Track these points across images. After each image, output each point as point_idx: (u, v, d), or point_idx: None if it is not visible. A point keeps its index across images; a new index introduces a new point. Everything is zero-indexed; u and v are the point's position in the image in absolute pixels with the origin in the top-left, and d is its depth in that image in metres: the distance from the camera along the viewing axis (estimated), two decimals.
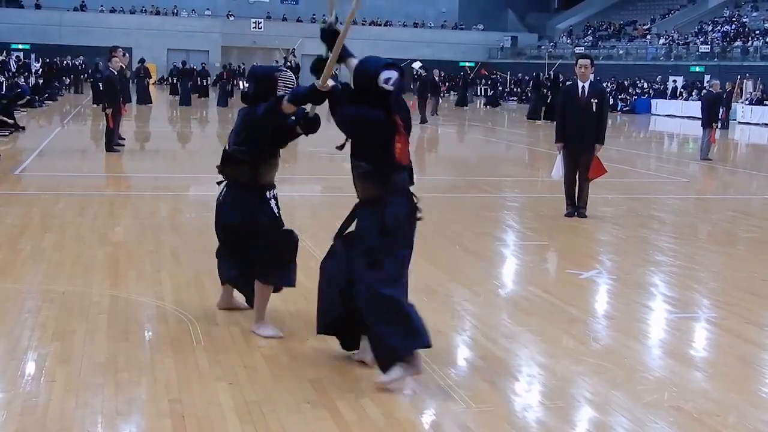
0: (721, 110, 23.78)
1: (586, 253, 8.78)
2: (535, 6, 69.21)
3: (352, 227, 5.15)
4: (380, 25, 61.78)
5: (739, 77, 38.52)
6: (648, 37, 52.68)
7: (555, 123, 10.77)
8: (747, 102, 37.09)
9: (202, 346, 5.29)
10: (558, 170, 10.57)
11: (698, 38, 47.65)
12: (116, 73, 16.52)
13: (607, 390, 4.83)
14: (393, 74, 4.77)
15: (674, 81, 43.04)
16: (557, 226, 10.15)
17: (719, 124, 20.39)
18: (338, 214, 10.12)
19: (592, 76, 10.56)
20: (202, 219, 9.65)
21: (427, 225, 9.68)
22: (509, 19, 66.47)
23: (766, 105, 35.79)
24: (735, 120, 36.17)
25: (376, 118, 4.75)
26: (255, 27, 56.40)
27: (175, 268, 7.37)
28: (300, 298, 6.52)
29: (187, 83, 34.25)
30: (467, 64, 57.07)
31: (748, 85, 37.99)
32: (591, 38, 57.13)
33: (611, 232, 9.93)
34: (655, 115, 40.50)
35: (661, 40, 50.14)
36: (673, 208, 12.26)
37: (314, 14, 60.60)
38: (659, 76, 43.80)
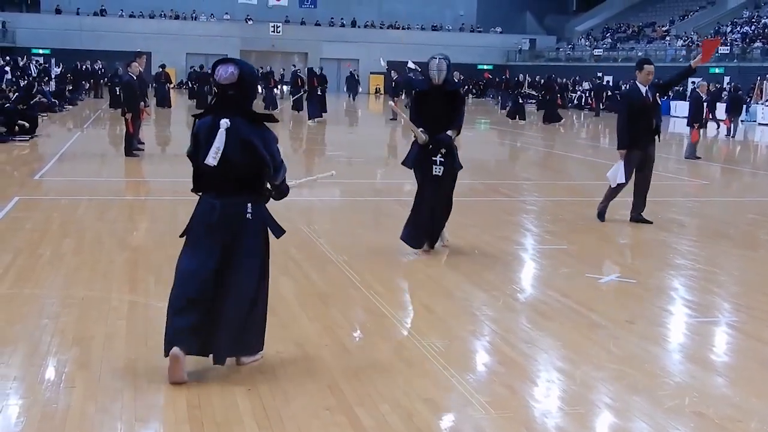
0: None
1: (605, 257, 8.73)
2: (553, 8, 68.95)
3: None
4: (398, 28, 61.83)
5: (759, 78, 38.24)
6: (667, 38, 52.39)
7: (619, 129, 10.45)
8: (767, 103, 36.82)
9: None
10: (620, 176, 10.35)
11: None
12: (135, 77, 16.60)
13: (627, 395, 4.79)
14: None
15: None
16: (576, 230, 10.11)
17: (703, 124, 21.26)
18: (358, 218, 10.15)
19: None
20: None
21: (446, 229, 9.68)
22: (527, 22, 66.29)
23: None
24: (755, 121, 35.93)
25: None
26: (273, 31, 56.55)
27: None
28: (318, 302, 6.52)
29: (203, 87, 34.35)
30: (485, 66, 57.03)
31: None
32: (610, 40, 56.88)
33: (631, 236, 9.87)
34: (674, 117, 40.24)
35: (680, 42, 49.86)
36: (693, 210, 12.18)
37: (332, 18, 60.74)
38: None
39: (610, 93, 43.35)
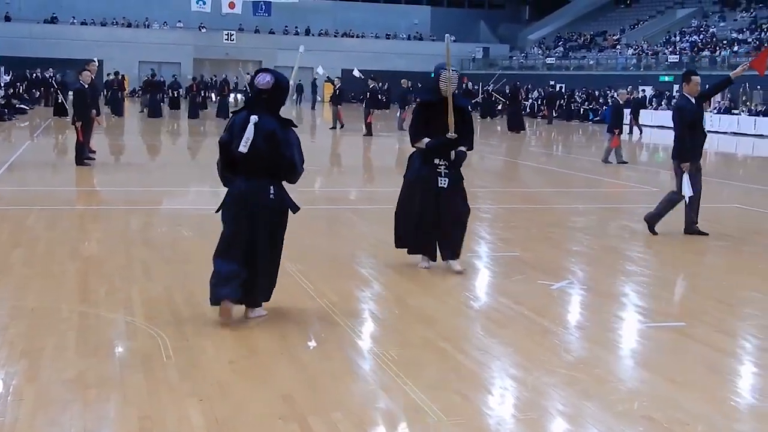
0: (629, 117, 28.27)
1: (557, 264, 8.81)
2: (506, 17, 69.56)
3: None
4: (353, 36, 61.93)
5: (707, 87, 38.90)
6: (618, 47, 53.12)
7: (678, 142, 10.41)
8: (716, 111, 37.46)
9: (173, 362, 5.26)
10: (687, 189, 10.30)
11: (667, 48, 48.10)
12: (87, 85, 16.42)
13: (578, 401, 4.84)
14: None
15: (643, 90, 43.40)
16: (529, 237, 10.20)
17: (623, 130, 22.33)
18: (312, 227, 10.09)
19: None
20: (173, 233, 9.61)
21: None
22: (481, 30, 66.80)
23: (734, 114, 36.19)
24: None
25: None
26: (227, 39, 56.31)
27: (146, 282, 7.31)
28: (272, 312, 6.49)
29: (156, 95, 34.06)
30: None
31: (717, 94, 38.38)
32: (562, 49, 57.52)
33: (582, 242, 9.98)
34: (625, 124, 40.68)
35: (631, 51, 50.59)
36: (643, 217, 12.32)
37: (287, 26, 60.64)
38: (629, 86, 44.08)
39: (563, 101, 43.82)
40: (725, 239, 10.53)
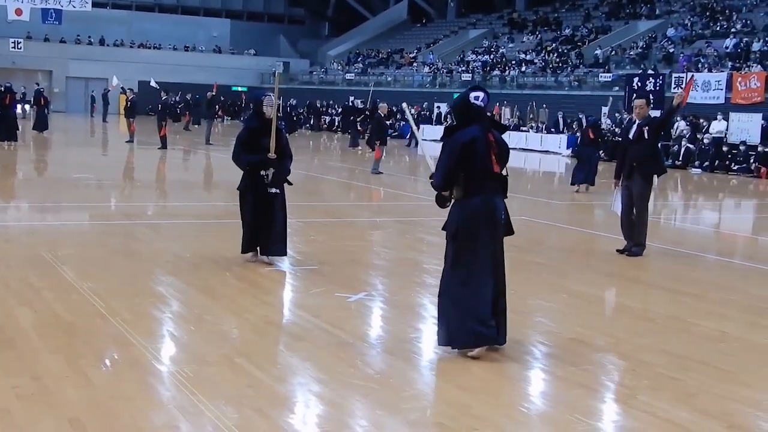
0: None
1: (355, 277, 8.92)
2: (306, 33, 70.09)
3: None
4: (150, 48, 60.48)
5: (498, 104, 40.69)
6: (414, 65, 54.65)
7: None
8: None
9: None
10: (614, 205, 10.93)
11: (460, 67, 49.96)
12: None
13: (374, 412, 4.92)
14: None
15: (438, 107, 44.82)
16: (327, 251, 10.28)
17: (386, 142, 23.69)
18: (106, 243, 9.73)
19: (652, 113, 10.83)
20: None
21: (198, 252, 9.56)
22: (281, 45, 66.97)
23: (522, 131, 38.02)
24: None
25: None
26: (14, 47, 53.45)
27: None
28: (60, 333, 6.21)
29: None
30: (240, 88, 57.01)
31: (506, 111, 40.21)
32: (361, 65, 58.55)
33: (380, 255, 10.17)
34: (422, 140, 41.92)
35: (427, 69, 52.18)
36: (440, 230, 12.70)
37: (79, 35, 58.37)
38: (425, 103, 45.49)
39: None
40: (514, 250, 10.95)
